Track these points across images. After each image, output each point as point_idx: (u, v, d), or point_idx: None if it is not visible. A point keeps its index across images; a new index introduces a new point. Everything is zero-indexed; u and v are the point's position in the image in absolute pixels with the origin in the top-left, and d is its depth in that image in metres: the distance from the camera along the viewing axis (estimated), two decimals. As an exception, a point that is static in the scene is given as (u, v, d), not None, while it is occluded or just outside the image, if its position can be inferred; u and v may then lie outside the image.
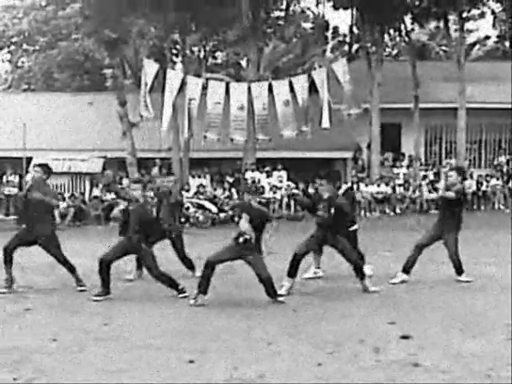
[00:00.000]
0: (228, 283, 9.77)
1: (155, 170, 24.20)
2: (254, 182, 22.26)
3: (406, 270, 9.89)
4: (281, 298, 8.70)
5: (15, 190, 21.50)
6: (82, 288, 9.58)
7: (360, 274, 9.31)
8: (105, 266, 8.89)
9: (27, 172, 22.27)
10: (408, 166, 24.58)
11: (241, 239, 8.51)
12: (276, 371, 5.82)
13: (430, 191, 22.38)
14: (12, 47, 41.14)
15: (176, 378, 5.68)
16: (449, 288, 9.43)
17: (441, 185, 10.79)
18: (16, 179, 22.30)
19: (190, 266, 10.68)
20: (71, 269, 9.72)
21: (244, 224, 8.53)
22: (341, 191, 10.22)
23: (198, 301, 8.54)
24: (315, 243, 9.51)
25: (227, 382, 5.56)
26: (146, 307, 8.53)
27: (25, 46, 40.52)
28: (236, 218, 9.21)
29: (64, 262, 9.70)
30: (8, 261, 9.59)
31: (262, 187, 21.86)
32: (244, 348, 6.57)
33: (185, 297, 8.84)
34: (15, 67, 41.77)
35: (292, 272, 9.28)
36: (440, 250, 10.31)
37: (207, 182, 23.03)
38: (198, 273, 10.33)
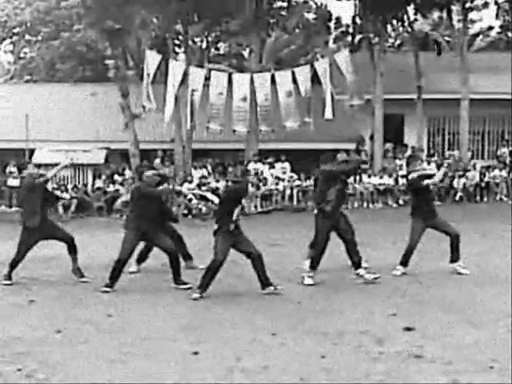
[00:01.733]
0: (232, 275, 9.78)
1: (157, 161, 24.22)
2: (256, 173, 22.27)
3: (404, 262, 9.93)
4: (279, 287, 8.76)
5: (17, 182, 21.50)
6: (84, 279, 9.66)
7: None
8: (122, 264, 9.04)
9: (29, 163, 22.29)
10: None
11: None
12: (280, 362, 5.84)
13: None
14: (14, 38, 41.07)
15: (179, 368, 5.71)
16: (449, 280, 9.40)
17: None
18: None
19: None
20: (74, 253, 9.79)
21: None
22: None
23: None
24: (327, 235, 9.52)
25: (230, 371, 5.59)
26: (149, 299, 8.54)
27: (27, 37, 40.45)
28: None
29: (72, 242, 9.74)
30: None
31: (265, 178, 21.86)
32: (248, 339, 6.59)
33: (188, 288, 8.87)
34: (17, 58, 41.74)
35: (314, 265, 9.41)
36: (436, 243, 10.31)
37: (209, 173, 23.02)
38: (202, 265, 10.34)
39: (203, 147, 23.93)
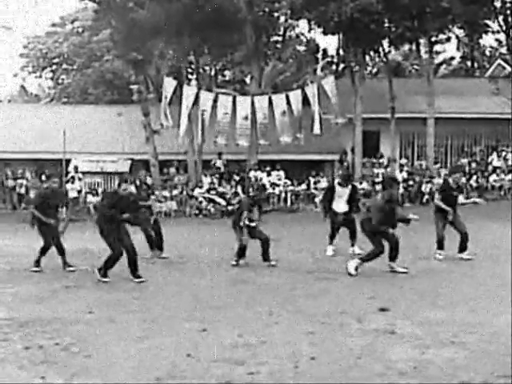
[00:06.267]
0: (238, 266, 9.77)
1: (173, 170, 24.24)
2: (256, 179, 22.27)
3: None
4: (273, 262, 9.73)
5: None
6: (71, 269, 9.57)
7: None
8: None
9: (67, 172, 22.29)
10: (386, 167, 24.54)
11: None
12: (275, 338, 5.83)
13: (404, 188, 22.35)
14: (54, 67, 41.30)
15: (191, 342, 5.70)
16: (420, 270, 9.40)
17: None
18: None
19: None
20: (62, 252, 9.70)
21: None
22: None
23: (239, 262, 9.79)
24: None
25: (233, 346, 5.58)
26: (167, 285, 8.53)
27: (64, 66, 40.64)
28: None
29: (60, 244, 9.68)
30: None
31: (264, 184, 21.82)
32: (248, 318, 6.57)
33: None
34: (56, 83, 41.88)
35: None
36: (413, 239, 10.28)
37: (217, 179, 22.99)
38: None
39: (211, 158, 23.94)
